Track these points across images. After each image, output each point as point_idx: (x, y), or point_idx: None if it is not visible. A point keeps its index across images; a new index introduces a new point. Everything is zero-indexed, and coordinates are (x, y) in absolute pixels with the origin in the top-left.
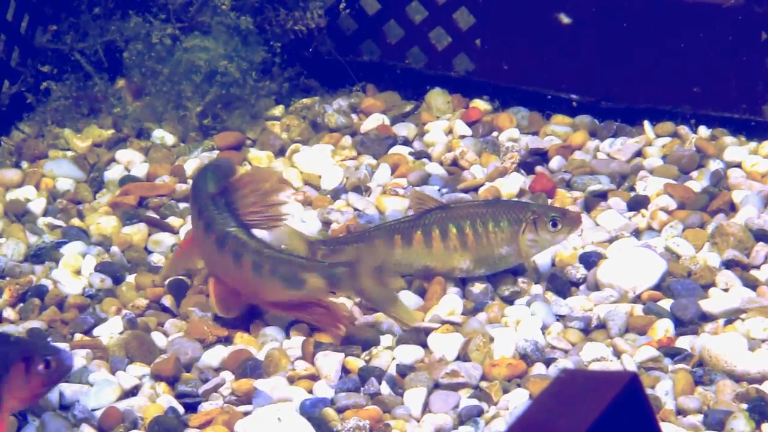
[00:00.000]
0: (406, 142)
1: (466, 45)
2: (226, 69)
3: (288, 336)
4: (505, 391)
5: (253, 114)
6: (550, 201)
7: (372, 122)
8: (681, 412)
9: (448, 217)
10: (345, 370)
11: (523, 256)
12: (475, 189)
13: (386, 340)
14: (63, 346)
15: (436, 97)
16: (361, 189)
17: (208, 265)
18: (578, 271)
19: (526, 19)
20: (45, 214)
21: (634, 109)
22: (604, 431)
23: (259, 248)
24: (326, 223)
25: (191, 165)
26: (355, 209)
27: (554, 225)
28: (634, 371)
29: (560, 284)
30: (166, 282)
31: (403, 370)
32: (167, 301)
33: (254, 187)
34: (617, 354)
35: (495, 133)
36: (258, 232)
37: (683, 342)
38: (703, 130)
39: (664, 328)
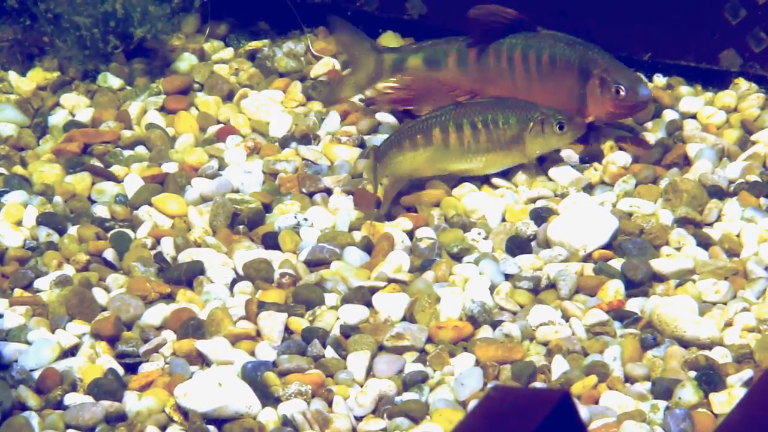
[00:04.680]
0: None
1: None
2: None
3: (232, 294)
4: (452, 354)
5: (201, 56)
6: None
7: (322, 67)
8: (628, 379)
9: (461, 114)
10: (288, 331)
11: (528, 154)
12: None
13: (331, 299)
14: (1, 302)
15: (389, 40)
16: (309, 137)
17: None
18: (528, 228)
19: None
20: None
21: None
22: None
23: None
24: (272, 174)
25: (135, 109)
26: (304, 159)
27: (561, 128)
28: (566, 389)
29: (513, 240)
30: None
31: (347, 331)
32: (109, 255)
33: None
34: (566, 318)
35: None
36: None
37: (633, 304)
38: (659, 79)
39: (614, 289)
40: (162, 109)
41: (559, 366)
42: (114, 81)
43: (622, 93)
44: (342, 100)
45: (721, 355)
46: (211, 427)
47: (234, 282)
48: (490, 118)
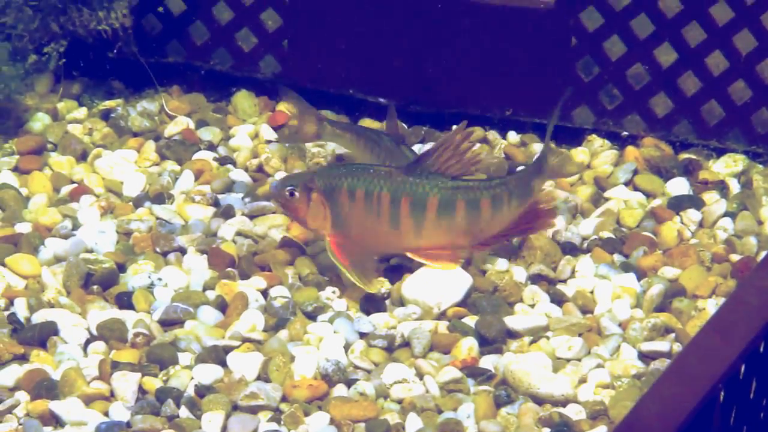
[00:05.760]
0: (211, 147)
1: (274, 46)
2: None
3: (86, 354)
4: (306, 413)
5: (55, 116)
6: None
7: (176, 126)
8: None
9: None
10: (142, 391)
11: None
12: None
13: (185, 358)
14: None
15: (242, 99)
16: (163, 196)
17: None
18: (383, 286)
19: (333, 21)
20: None
21: (443, 114)
22: None
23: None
24: (126, 234)
25: None
26: (158, 218)
27: None
28: None
29: (368, 299)
30: None
31: (202, 391)
32: None
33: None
34: (420, 375)
35: None
36: None
37: (487, 361)
38: (513, 136)
39: (467, 346)
40: (15, 169)
41: (413, 423)
42: None
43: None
44: None
45: (575, 412)
46: None
47: (88, 342)
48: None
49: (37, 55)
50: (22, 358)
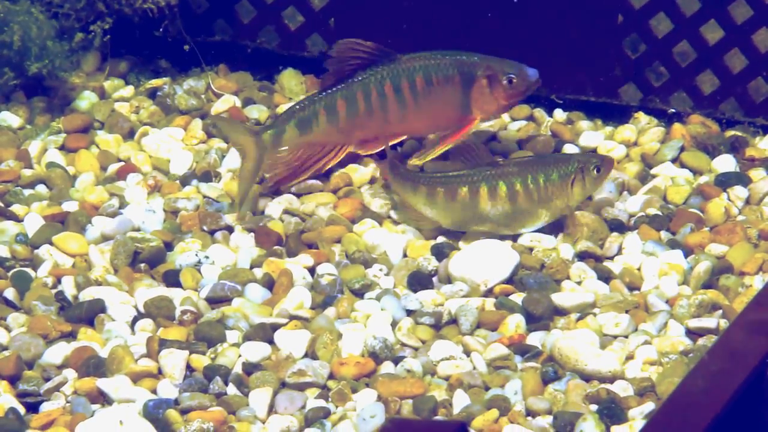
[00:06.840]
0: (258, 125)
1: (320, 25)
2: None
3: (133, 332)
4: (354, 390)
5: (102, 94)
6: None
7: (223, 104)
8: (530, 413)
9: (498, 174)
10: (190, 369)
11: (571, 206)
12: (326, 174)
13: (232, 336)
14: None
15: (289, 78)
16: (210, 174)
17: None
18: (430, 263)
19: None
20: None
21: None
22: None
23: None
24: (173, 212)
25: (35, 148)
26: (205, 196)
27: (597, 170)
28: (462, 421)
29: (415, 276)
30: None
31: (249, 368)
32: (10, 294)
33: None
34: (467, 352)
35: None
36: None
37: (534, 338)
38: (559, 114)
39: (515, 323)
40: (62, 147)
41: (461, 400)
42: (14, 120)
43: (515, 81)
44: (245, 193)
45: (622, 389)
46: None
47: (135, 320)
48: (530, 177)
49: (83, 33)
50: (70, 336)
